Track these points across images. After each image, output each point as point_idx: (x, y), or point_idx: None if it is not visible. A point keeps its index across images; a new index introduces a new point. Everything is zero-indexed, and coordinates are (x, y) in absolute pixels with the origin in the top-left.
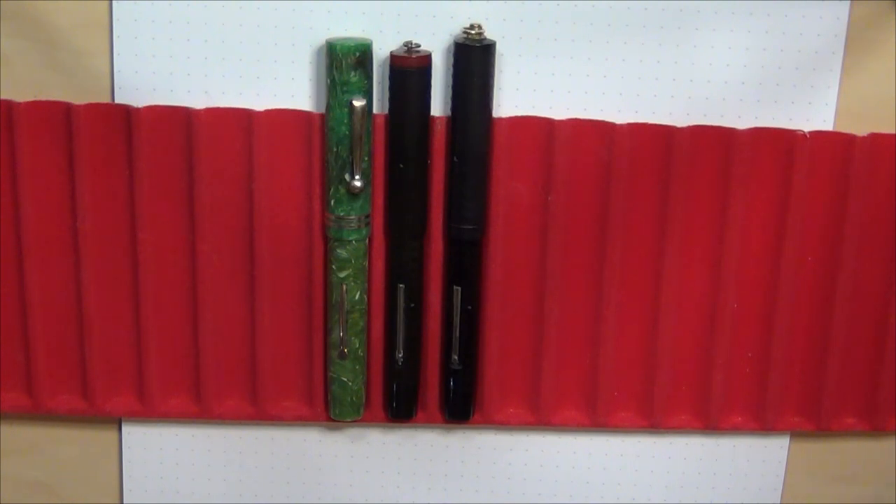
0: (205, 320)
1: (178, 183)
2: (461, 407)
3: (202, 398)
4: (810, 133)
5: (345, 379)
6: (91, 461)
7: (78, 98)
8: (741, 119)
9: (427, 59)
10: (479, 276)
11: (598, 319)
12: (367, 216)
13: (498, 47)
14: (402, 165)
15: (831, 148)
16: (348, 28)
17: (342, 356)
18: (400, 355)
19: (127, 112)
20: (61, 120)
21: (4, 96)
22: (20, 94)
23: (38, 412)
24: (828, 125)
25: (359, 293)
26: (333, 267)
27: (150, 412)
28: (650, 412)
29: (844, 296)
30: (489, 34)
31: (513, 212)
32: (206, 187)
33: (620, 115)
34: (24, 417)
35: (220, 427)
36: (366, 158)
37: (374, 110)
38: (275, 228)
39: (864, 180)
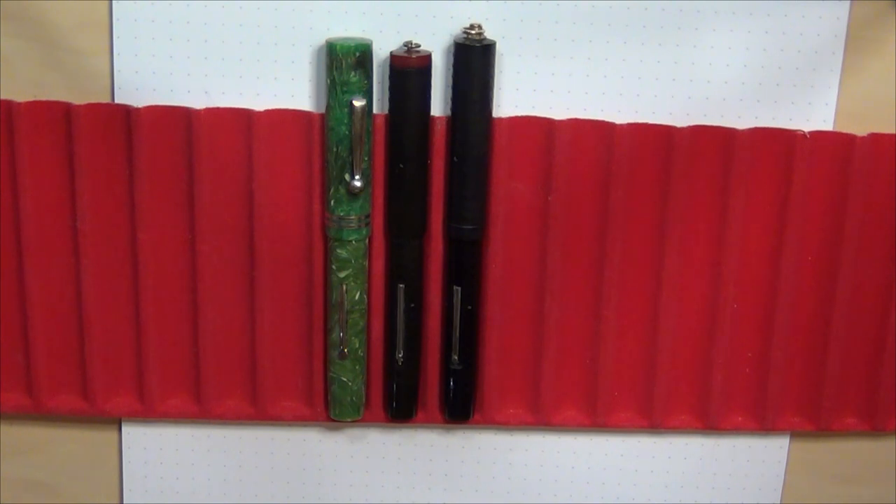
0: (205, 320)
1: (178, 183)
2: (461, 407)
3: (202, 398)
4: (810, 133)
5: (345, 379)
6: (91, 461)
7: (78, 98)
8: (741, 119)
9: (427, 59)
10: (479, 276)
11: (598, 319)
12: (367, 216)
13: (498, 47)
14: (402, 165)
15: (831, 148)
16: (348, 28)
17: (342, 356)
18: (400, 355)
19: (127, 112)
20: (61, 120)
21: (4, 96)
22: (20, 94)
23: (38, 412)
24: (828, 125)
25: (359, 293)
26: (333, 267)
27: (150, 412)
28: (650, 412)
29: (844, 296)
30: (489, 34)
31: (513, 212)
32: (206, 187)
33: (620, 115)
34: (24, 417)
35: (220, 427)
36: (366, 158)
37: (374, 110)
38: (275, 228)
39: (864, 180)
